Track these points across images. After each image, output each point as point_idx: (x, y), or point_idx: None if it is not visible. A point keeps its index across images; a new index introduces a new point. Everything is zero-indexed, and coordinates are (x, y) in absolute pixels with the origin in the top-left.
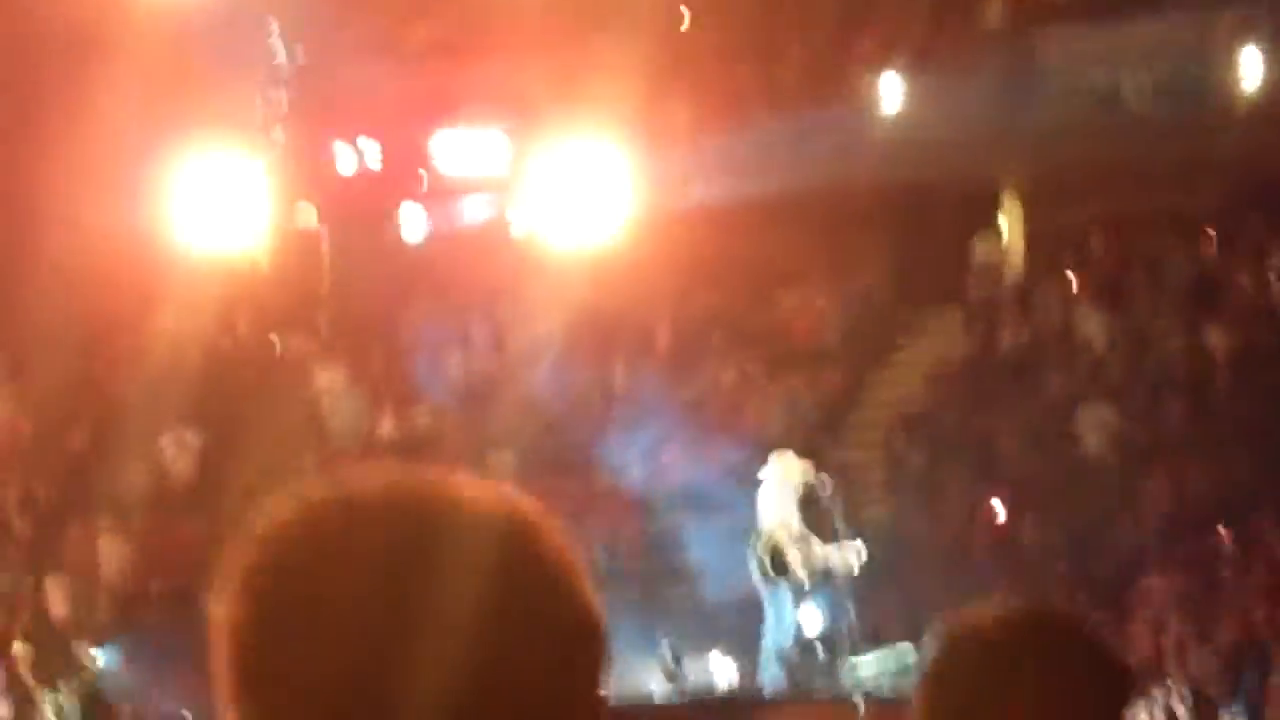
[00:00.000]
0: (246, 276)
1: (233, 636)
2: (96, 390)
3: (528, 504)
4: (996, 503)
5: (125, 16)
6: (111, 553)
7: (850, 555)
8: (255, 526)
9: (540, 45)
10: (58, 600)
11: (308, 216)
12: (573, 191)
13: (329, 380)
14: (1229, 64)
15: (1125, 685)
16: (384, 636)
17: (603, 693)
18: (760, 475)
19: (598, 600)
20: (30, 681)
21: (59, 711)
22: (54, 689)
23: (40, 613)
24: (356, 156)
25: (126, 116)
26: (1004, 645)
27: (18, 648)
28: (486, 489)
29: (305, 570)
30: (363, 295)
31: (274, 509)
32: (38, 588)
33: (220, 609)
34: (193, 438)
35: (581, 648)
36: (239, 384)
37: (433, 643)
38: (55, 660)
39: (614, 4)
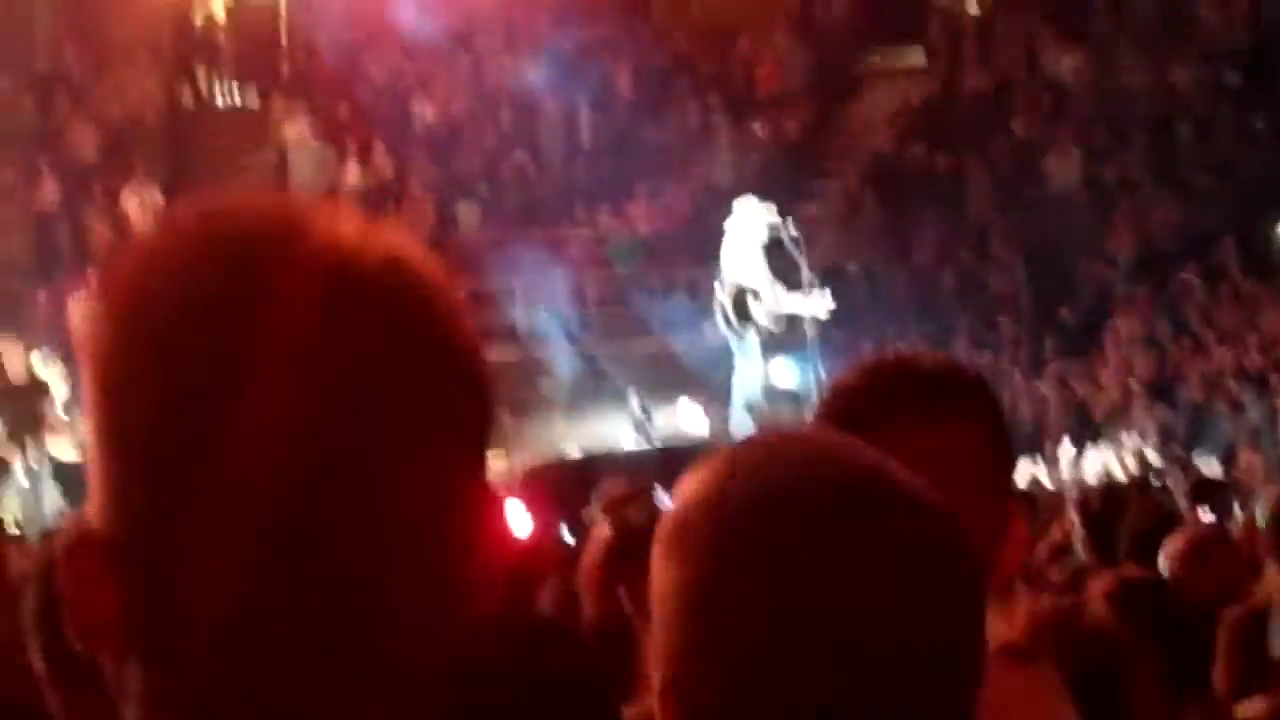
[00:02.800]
0: (204, 29)
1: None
2: (60, 145)
3: (399, 238)
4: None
5: None
6: (78, 313)
7: (816, 304)
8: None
9: None
10: (16, 362)
11: None
12: None
13: (292, 132)
14: None
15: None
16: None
17: (490, 451)
18: (725, 223)
19: (483, 352)
20: None
21: (29, 473)
22: (23, 451)
23: (3, 376)
24: None
25: None
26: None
27: None
28: (354, 221)
29: (151, 290)
30: (324, 44)
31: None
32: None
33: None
34: (155, 194)
35: (462, 401)
36: (200, 138)
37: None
38: (22, 422)
39: None
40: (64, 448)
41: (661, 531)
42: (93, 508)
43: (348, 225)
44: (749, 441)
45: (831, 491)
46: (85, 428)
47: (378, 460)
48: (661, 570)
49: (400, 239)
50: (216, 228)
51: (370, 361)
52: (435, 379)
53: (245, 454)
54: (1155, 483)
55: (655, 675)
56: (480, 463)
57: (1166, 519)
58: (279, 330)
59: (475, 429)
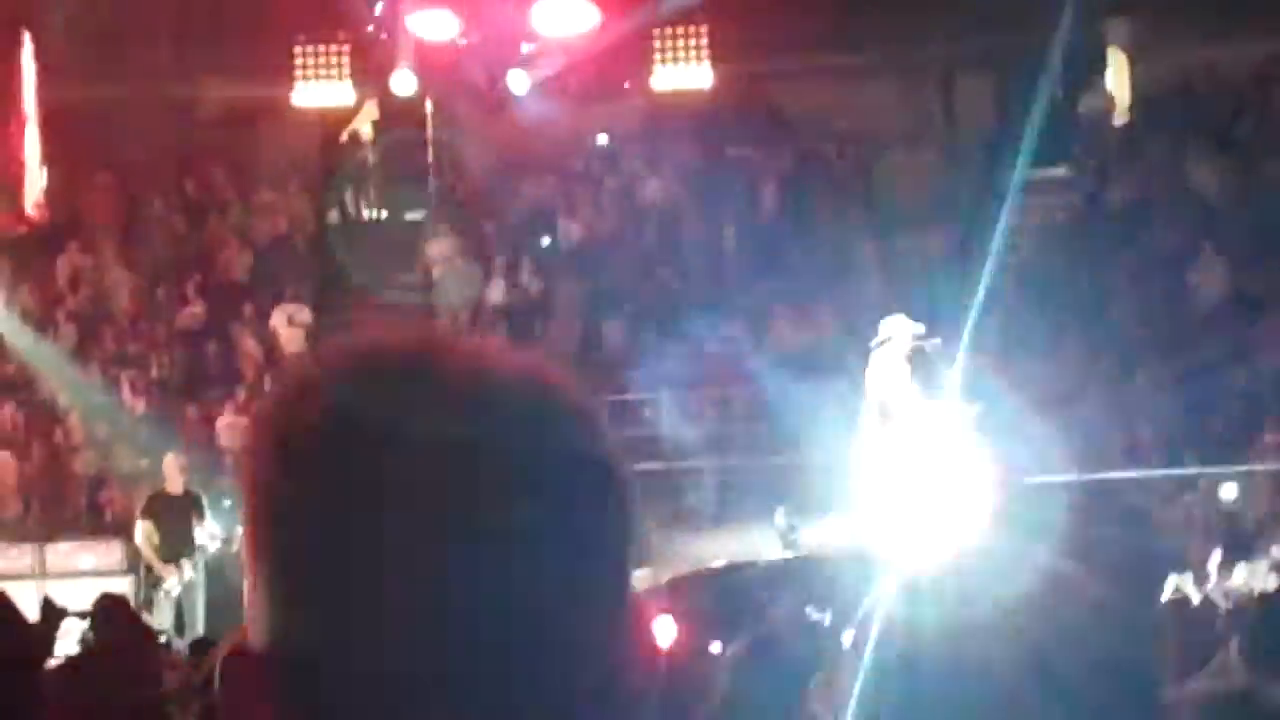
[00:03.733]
0: (352, 148)
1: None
2: (207, 265)
3: (533, 357)
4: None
5: None
6: (228, 430)
7: (965, 416)
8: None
9: None
10: (175, 478)
11: (408, 85)
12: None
13: (438, 250)
14: None
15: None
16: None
17: (633, 545)
18: (878, 338)
19: (621, 456)
20: (153, 559)
21: (184, 585)
22: (177, 565)
23: (159, 491)
24: (457, 23)
25: None
26: None
27: (140, 525)
28: (491, 343)
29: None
30: (471, 163)
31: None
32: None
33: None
34: (304, 313)
35: (599, 499)
36: (349, 257)
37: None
38: (177, 537)
39: None
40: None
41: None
42: (252, 626)
43: (484, 347)
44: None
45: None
46: (245, 550)
47: (526, 582)
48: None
49: (535, 357)
50: (362, 357)
51: (510, 479)
52: (574, 494)
53: (397, 578)
54: None
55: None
56: (624, 577)
57: None
58: (423, 453)
59: (617, 543)
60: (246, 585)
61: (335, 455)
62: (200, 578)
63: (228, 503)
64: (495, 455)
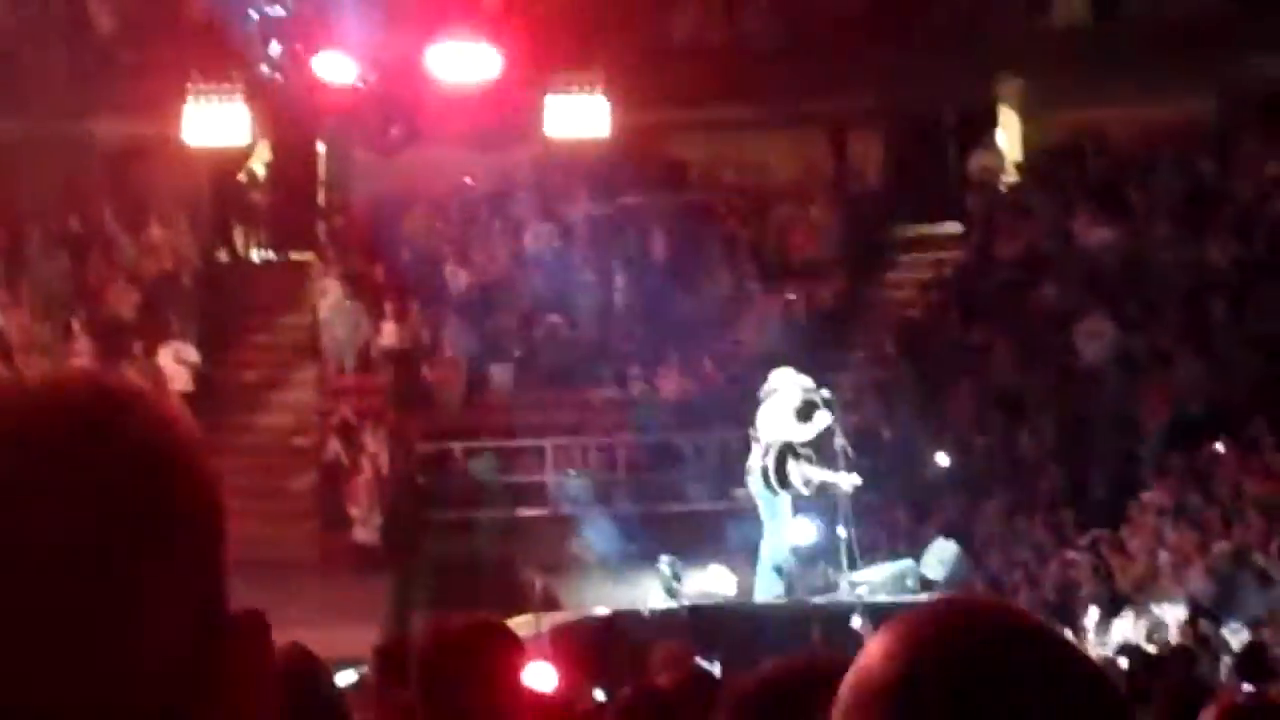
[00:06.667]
0: (242, 187)
1: None
2: (94, 302)
3: (119, 380)
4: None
5: None
6: None
7: (846, 479)
8: None
9: None
10: None
11: (303, 129)
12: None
13: (327, 291)
14: None
15: None
16: None
17: (223, 574)
18: (761, 390)
19: (212, 477)
20: None
21: None
22: None
23: None
24: (353, 68)
25: (124, 30)
26: None
27: None
28: (67, 371)
29: None
30: (361, 206)
31: None
32: None
33: None
34: (190, 351)
35: (186, 528)
36: (236, 296)
37: None
38: None
39: None
40: None
41: (845, 696)
42: None
43: (59, 374)
44: (927, 612)
45: (1020, 668)
46: None
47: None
48: None
49: (112, 376)
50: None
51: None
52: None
53: None
54: (1192, 651)
55: None
56: (190, 583)
57: (1201, 689)
58: None
59: (175, 543)
60: None
61: None
62: None
63: None
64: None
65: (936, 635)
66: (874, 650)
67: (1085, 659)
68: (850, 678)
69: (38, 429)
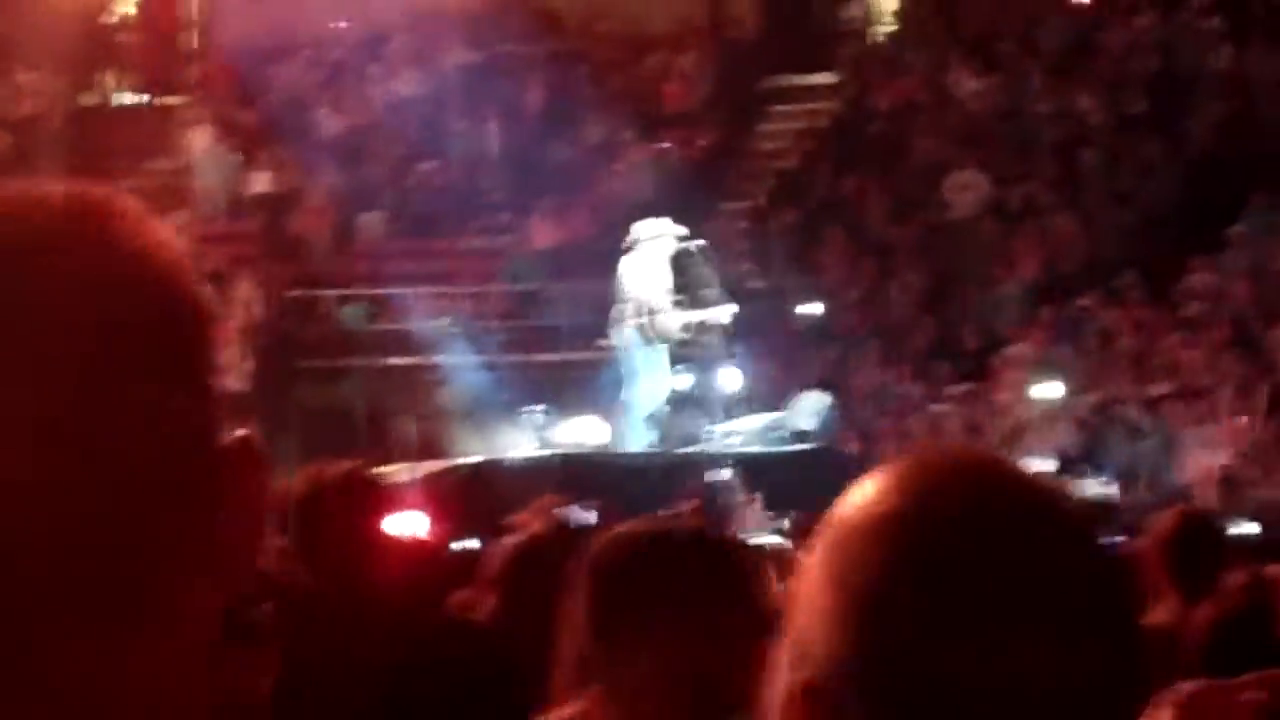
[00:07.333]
0: (110, 30)
1: None
2: None
3: (96, 191)
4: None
5: None
6: None
7: (721, 311)
8: None
9: None
10: None
11: None
12: None
13: (198, 137)
14: None
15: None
16: None
17: (214, 400)
18: (631, 238)
19: (206, 301)
20: None
21: None
22: None
23: None
24: None
25: None
26: None
27: None
28: (48, 185)
29: None
30: (232, 50)
31: None
32: None
33: None
34: None
35: (170, 337)
36: (104, 141)
37: None
38: None
39: None
40: None
41: (823, 540)
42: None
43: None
44: (914, 460)
45: (1005, 518)
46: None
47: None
48: (819, 580)
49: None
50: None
51: (31, 292)
52: (107, 306)
53: None
54: None
55: (787, 677)
56: (184, 407)
57: None
58: None
59: (165, 365)
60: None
61: None
62: None
63: None
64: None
65: (944, 471)
66: (873, 486)
67: (1084, 525)
68: (846, 512)
69: (33, 236)
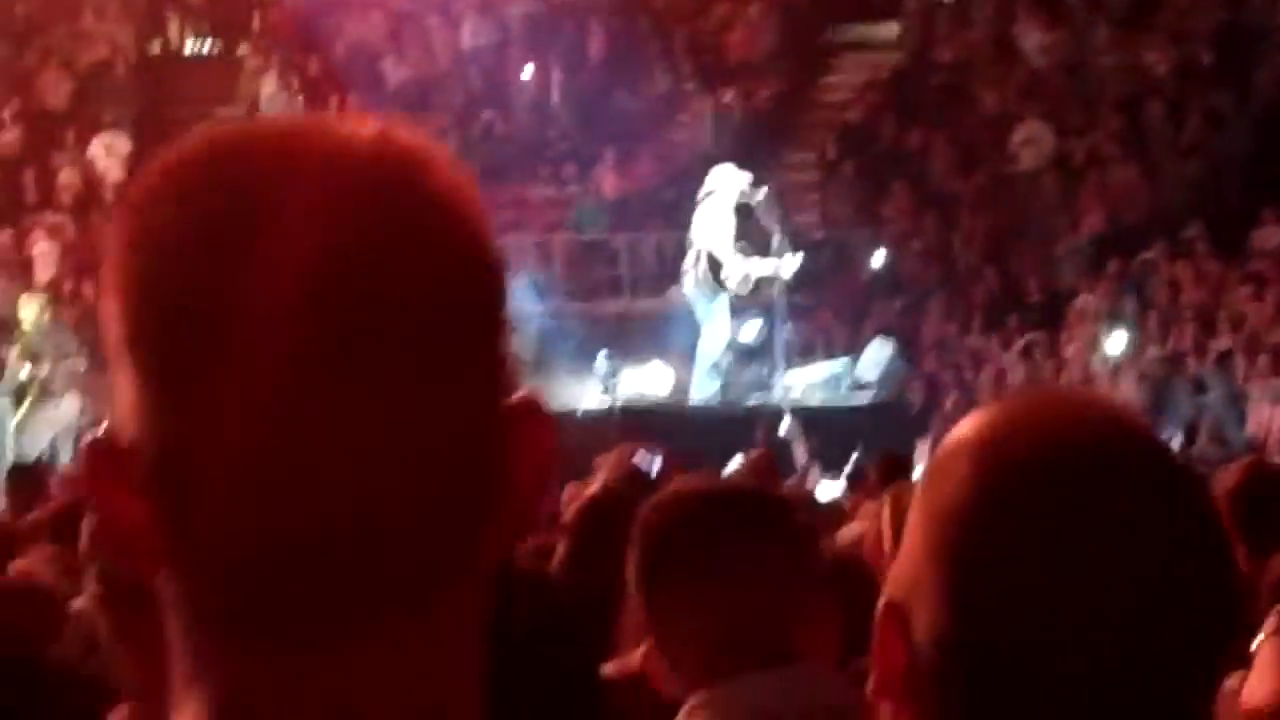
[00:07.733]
0: None
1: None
2: (27, 91)
3: (409, 134)
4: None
5: None
6: (43, 256)
7: (785, 265)
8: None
9: None
10: None
11: None
12: None
13: (266, 85)
14: None
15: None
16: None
17: (507, 333)
18: (699, 191)
19: (495, 242)
20: None
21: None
22: None
23: None
24: None
25: None
26: None
27: None
28: (355, 123)
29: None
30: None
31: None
32: None
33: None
34: (123, 141)
35: (476, 284)
36: (170, 88)
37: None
38: None
39: None
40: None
41: (927, 470)
42: (114, 419)
43: (347, 129)
44: (1023, 396)
45: (1104, 454)
46: (109, 344)
47: (379, 359)
48: (915, 504)
49: (406, 136)
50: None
51: (367, 256)
52: (439, 271)
53: (249, 357)
54: None
55: (888, 596)
56: (493, 363)
57: None
58: (276, 234)
59: (480, 321)
60: (111, 380)
61: (187, 243)
62: (7, 403)
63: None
64: (349, 237)
65: (1034, 401)
66: (970, 419)
67: (1180, 464)
68: (943, 444)
69: (352, 197)
